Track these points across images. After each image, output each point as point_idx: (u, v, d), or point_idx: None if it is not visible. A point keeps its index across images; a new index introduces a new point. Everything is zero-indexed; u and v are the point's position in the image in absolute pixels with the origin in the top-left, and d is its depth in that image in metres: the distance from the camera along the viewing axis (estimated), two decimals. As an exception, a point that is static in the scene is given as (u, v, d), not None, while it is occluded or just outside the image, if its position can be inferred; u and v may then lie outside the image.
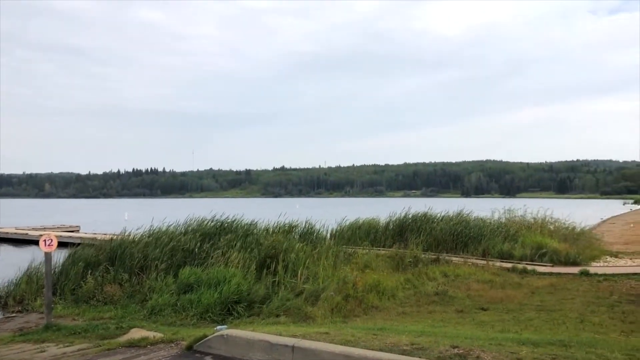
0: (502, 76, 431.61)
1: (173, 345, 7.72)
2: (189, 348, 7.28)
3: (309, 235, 18.84)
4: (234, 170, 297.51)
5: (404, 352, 5.65)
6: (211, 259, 14.21)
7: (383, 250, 19.90)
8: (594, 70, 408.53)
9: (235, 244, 15.26)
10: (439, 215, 24.18)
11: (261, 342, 6.33)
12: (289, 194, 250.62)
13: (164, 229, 16.78)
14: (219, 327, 7.88)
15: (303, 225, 19.63)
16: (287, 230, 18.42)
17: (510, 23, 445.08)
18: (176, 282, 12.65)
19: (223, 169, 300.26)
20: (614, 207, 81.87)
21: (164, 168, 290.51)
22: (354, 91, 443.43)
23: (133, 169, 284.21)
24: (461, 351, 5.74)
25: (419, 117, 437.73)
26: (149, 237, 15.83)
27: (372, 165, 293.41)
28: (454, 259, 18.70)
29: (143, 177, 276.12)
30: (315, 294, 12.45)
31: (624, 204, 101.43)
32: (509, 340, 7.07)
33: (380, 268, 16.44)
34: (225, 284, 11.99)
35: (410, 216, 23.86)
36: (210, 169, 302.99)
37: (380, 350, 5.75)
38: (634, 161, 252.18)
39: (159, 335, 8.36)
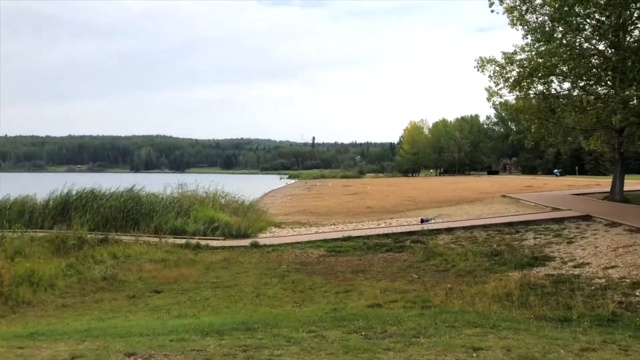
0: (177, 53, 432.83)
1: None
2: None
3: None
4: None
5: (60, 374, 4.26)
6: None
7: (41, 232, 17.23)
8: (260, 56, 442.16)
9: None
10: (107, 191, 22.22)
11: None
12: None
13: None
14: None
15: None
16: None
17: (187, 1, 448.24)
18: None
19: None
20: (273, 182, 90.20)
21: None
22: (3, 53, 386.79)
23: None
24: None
25: (86, 87, 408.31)
26: None
27: (29, 136, 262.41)
28: (124, 238, 17.28)
29: None
30: (-58, 294, 9.67)
31: (280, 179, 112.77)
32: (191, 331, 6.29)
33: (36, 254, 14.08)
34: None
35: (74, 193, 21.33)
36: None
37: (26, 375, 4.24)
38: (287, 141, 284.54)
39: None
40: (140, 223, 19.89)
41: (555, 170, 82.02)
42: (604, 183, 41.56)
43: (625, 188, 25.12)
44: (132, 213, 20.28)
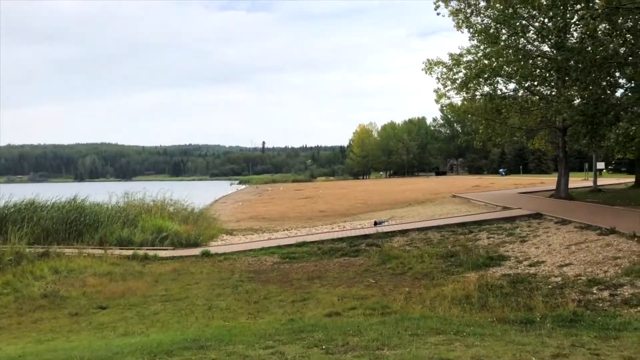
0: (120, 58, 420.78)
1: None
2: None
3: None
4: None
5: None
6: None
7: (-26, 248, 16.10)
8: (207, 60, 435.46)
9: None
10: (49, 202, 21.16)
11: None
12: None
13: None
14: None
15: None
16: None
17: (128, 4, 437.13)
18: None
19: None
20: (223, 188, 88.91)
21: None
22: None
23: None
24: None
25: (24, 94, 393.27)
26: None
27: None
28: (67, 251, 16.38)
29: None
30: None
31: (231, 185, 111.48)
32: (137, 352, 5.81)
33: (-32, 272, 13.08)
34: None
35: (11, 205, 20.17)
36: None
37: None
38: (237, 146, 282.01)
39: None
40: (84, 234, 18.96)
41: (501, 170, 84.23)
42: (547, 181, 42.82)
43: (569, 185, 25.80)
44: (75, 224, 19.32)
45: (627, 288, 8.43)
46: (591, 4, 17.09)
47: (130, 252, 16.35)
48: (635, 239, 11.36)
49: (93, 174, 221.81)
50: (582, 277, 9.50)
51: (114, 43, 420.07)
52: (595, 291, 8.59)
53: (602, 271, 9.65)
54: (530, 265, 11.17)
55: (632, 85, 20.15)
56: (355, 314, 8.30)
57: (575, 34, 21.28)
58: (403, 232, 16.80)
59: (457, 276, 10.98)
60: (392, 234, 16.72)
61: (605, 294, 8.36)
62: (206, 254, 15.99)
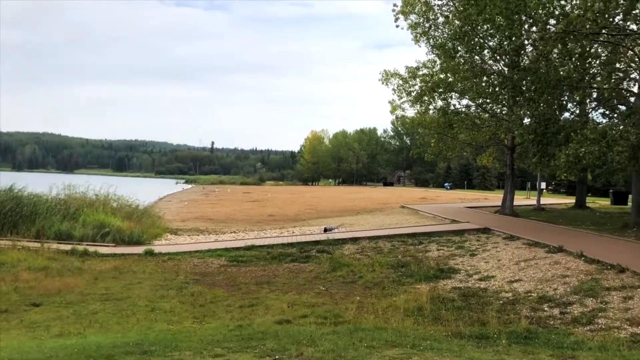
0: (67, 47, 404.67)
1: None
2: None
3: None
4: None
5: None
6: None
7: None
8: (158, 56, 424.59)
9: None
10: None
11: None
12: None
13: None
14: None
15: None
16: None
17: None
18: None
19: None
20: (169, 186, 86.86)
21: None
22: None
23: None
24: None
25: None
26: None
27: None
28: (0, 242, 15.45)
29: None
30: None
31: (176, 183, 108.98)
32: (74, 355, 5.36)
33: None
34: None
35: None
36: None
37: None
38: (185, 144, 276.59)
39: None
40: (19, 226, 17.97)
41: (446, 184, 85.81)
42: (491, 197, 43.93)
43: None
44: (10, 215, 18.25)
45: (577, 306, 8.52)
46: (547, 27, 17.49)
47: (69, 247, 15.59)
48: (582, 258, 11.59)
49: (33, 164, 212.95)
50: (533, 294, 9.57)
51: (61, 31, 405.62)
52: (546, 308, 8.64)
53: (551, 289, 9.76)
54: (480, 280, 11.21)
55: (578, 110, 20.87)
56: (306, 322, 8.04)
57: (530, 55, 21.80)
58: (354, 240, 16.66)
59: (408, 287, 10.90)
60: (343, 241, 16.55)
61: (556, 311, 8.42)
62: (150, 253, 15.41)
